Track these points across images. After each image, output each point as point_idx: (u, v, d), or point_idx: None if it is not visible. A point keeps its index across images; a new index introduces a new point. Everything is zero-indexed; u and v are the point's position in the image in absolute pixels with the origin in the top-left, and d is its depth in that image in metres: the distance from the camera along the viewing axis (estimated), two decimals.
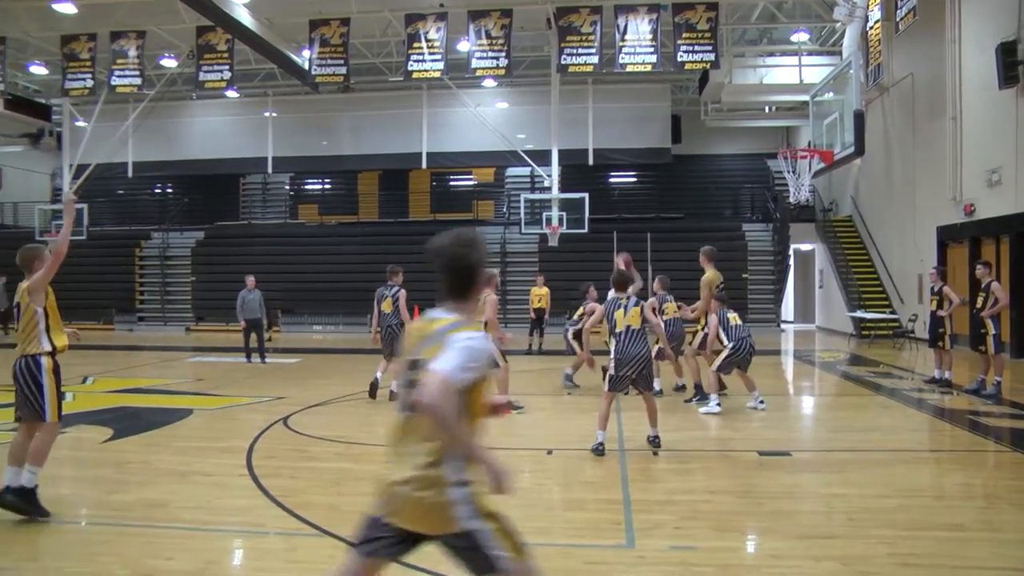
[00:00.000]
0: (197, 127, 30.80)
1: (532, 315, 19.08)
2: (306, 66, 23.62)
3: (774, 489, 6.67)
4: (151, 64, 26.08)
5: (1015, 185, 15.94)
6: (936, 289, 12.68)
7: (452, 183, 34.19)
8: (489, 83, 28.20)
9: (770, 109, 29.53)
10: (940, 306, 12.47)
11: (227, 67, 23.42)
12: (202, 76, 23.53)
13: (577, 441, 8.47)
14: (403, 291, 11.52)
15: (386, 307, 11.49)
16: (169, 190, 35.62)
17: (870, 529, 5.66)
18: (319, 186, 35.31)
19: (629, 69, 21.96)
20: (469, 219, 30.83)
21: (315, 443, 8.51)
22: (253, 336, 16.60)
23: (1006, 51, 15.64)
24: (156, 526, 5.70)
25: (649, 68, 21.95)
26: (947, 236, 19.05)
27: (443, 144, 29.33)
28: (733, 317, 10.29)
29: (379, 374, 11.47)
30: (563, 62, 22.15)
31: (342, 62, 22.97)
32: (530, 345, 18.89)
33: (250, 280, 16.72)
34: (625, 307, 7.93)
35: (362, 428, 9.41)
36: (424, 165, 29.60)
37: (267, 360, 16.59)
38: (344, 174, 33.44)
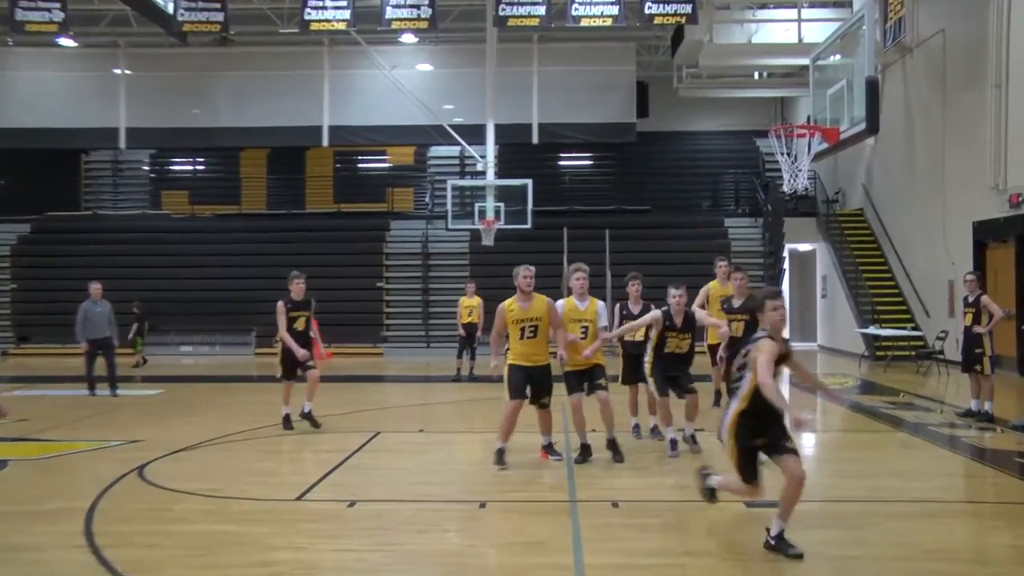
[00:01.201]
0: (18, 85, 29.83)
1: (461, 332, 18.92)
2: (170, 9, 23.17)
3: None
4: None
5: None
6: (972, 300, 12.90)
7: (361, 165, 34.13)
8: (409, 39, 28.16)
9: (761, 76, 30.09)
10: (977, 321, 12.70)
11: (58, 5, 22.65)
12: (20, 15, 22.58)
13: (519, 492, 8.43)
14: (279, 303, 11.95)
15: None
16: None
17: None
18: (189, 167, 34.79)
19: (584, 23, 22.00)
20: (382, 211, 30.78)
21: (181, 499, 8.28)
22: (100, 361, 16.18)
23: None
24: None
25: (609, 22, 22.02)
26: (986, 233, 19.50)
27: (350, 116, 29.19)
28: None
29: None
30: (501, 13, 22.09)
31: (218, 6, 22.56)
32: (458, 370, 18.78)
33: (95, 288, 16.28)
34: None
35: (244, 478, 9.19)
36: (325, 142, 29.44)
37: (118, 392, 16.16)
38: (222, 152, 33.04)
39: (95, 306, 16.14)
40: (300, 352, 11.78)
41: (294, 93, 29.13)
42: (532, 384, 9.59)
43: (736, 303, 11.46)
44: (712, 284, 11.44)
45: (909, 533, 7.11)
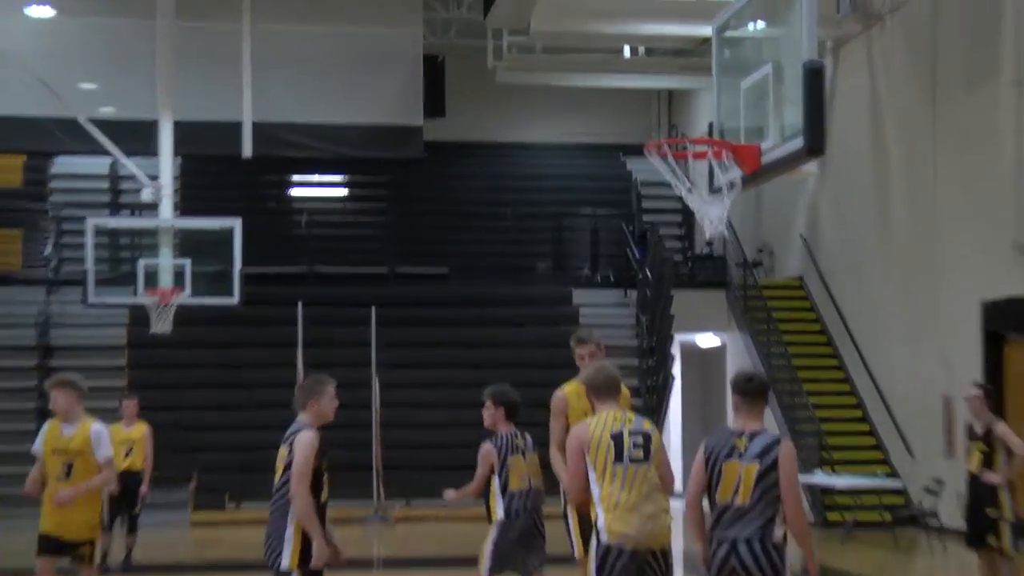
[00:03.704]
0: None
1: (112, 487, 18.39)
2: None
3: None
4: None
5: None
6: (982, 430, 13.36)
7: None
8: None
9: (635, 53, 30.96)
10: (989, 463, 13.21)
11: None
12: None
13: None
14: None
15: None
16: None
17: None
18: None
19: None
20: None
21: None
22: None
23: None
24: None
25: None
26: (1003, 320, 20.34)
27: None
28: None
29: None
30: None
31: None
32: (105, 553, 18.21)
33: None
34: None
35: None
36: None
37: None
38: None
39: None
40: None
41: None
42: None
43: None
44: (569, 391, 11.19)
45: None
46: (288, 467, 9.57)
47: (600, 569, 8.62)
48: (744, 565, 7.88)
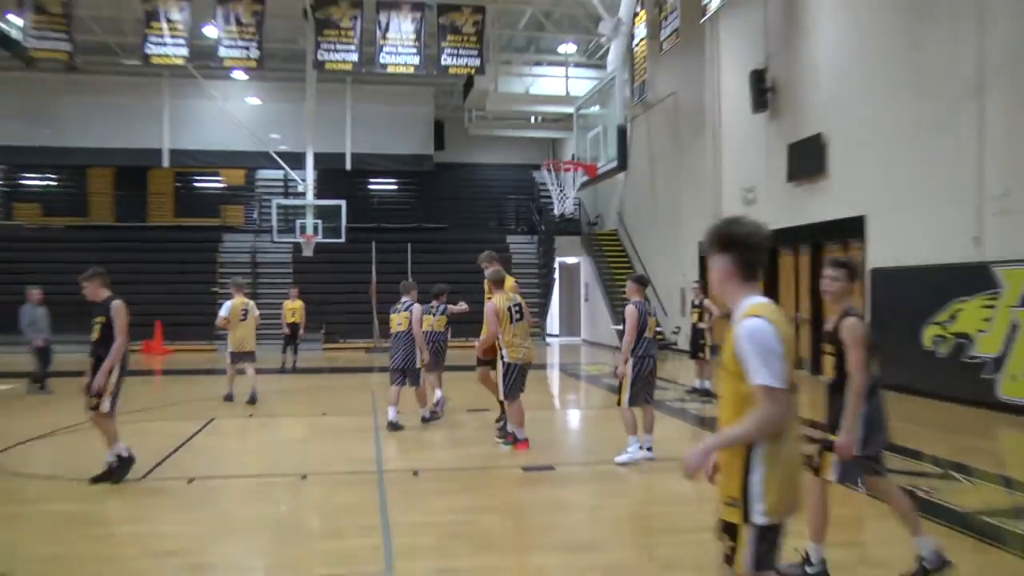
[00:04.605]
0: None
1: (286, 330, 18.71)
2: (15, 35, 21.62)
3: (539, 504, 6.98)
4: None
5: (767, 203, 17.77)
6: (698, 302, 13.93)
7: (197, 184, 32.78)
8: (239, 75, 27.41)
9: (536, 120, 30.84)
10: (701, 318, 13.73)
11: None
12: None
13: (335, 465, 8.41)
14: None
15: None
16: None
17: (634, 536, 6.13)
18: (40, 182, 32.23)
19: (390, 70, 22.07)
20: (216, 225, 29.74)
21: (34, 482, 7.80)
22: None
23: (757, 78, 17.60)
24: None
25: (412, 70, 22.19)
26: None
27: (187, 141, 28.21)
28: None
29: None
30: (319, 58, 21.90)
31: (65, 36, 21.06)
32: (283, 363, 18.49)
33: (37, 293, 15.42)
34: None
35: (91, 463, 8.66)
36: (166, 163, 28.35)
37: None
38: (71, 169, 30.84)
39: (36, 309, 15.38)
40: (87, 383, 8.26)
41: (136, 118, 27.92)
42: None
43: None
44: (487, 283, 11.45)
45: (648, 484, 7.65)
46: (409, 323, 10.22)
47: (506, 376, 9.04)
48: (656, 366, 8.65)
